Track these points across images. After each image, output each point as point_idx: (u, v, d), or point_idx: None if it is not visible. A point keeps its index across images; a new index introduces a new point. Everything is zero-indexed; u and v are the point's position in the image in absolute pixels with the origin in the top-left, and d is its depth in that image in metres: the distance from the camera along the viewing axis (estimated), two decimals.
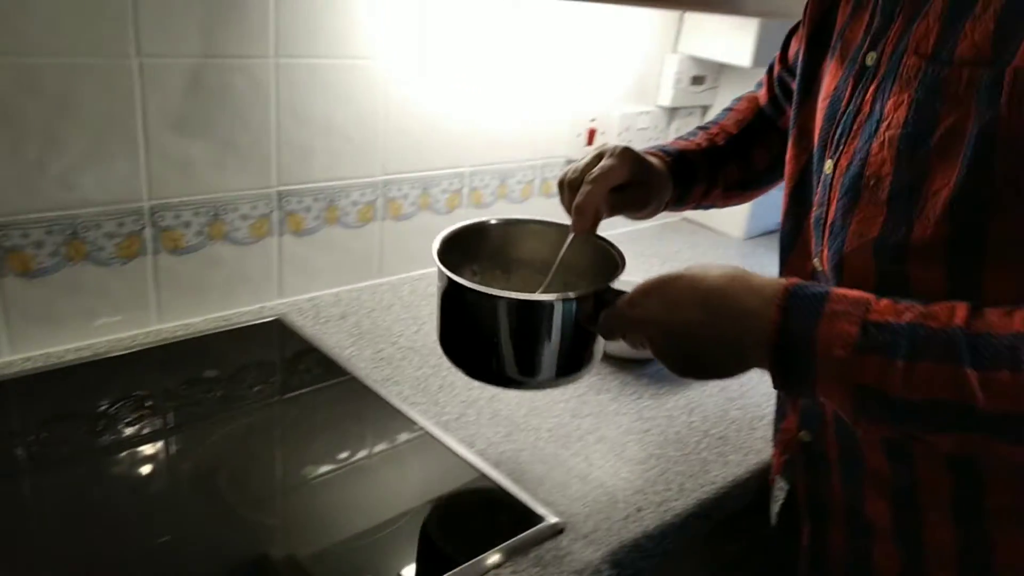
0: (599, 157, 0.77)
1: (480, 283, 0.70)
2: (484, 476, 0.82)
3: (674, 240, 1.62)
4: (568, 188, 0.78)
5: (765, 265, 1.54)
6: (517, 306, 0.68)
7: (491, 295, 0.67)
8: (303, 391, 0.96)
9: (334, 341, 1.07)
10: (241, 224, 1.07)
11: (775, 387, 0.57)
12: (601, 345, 0.73)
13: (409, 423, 0.89)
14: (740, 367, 0.59)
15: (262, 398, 0.92)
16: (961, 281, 0.58)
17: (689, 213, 1.75)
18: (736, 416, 1.01)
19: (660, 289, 0.61)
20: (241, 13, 0.98)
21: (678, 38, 1.56)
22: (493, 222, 0.83)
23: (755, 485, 0.90)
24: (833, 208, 0.66)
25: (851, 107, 0.66)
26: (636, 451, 0.90)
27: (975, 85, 0.55)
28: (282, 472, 0.80)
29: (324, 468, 0.81)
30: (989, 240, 0.57)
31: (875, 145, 0.61)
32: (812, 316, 0.54)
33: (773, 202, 1.71)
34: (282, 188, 1.10)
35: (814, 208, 0.70)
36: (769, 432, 0.98)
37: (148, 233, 0.99)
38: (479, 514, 0.79)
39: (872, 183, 0.61)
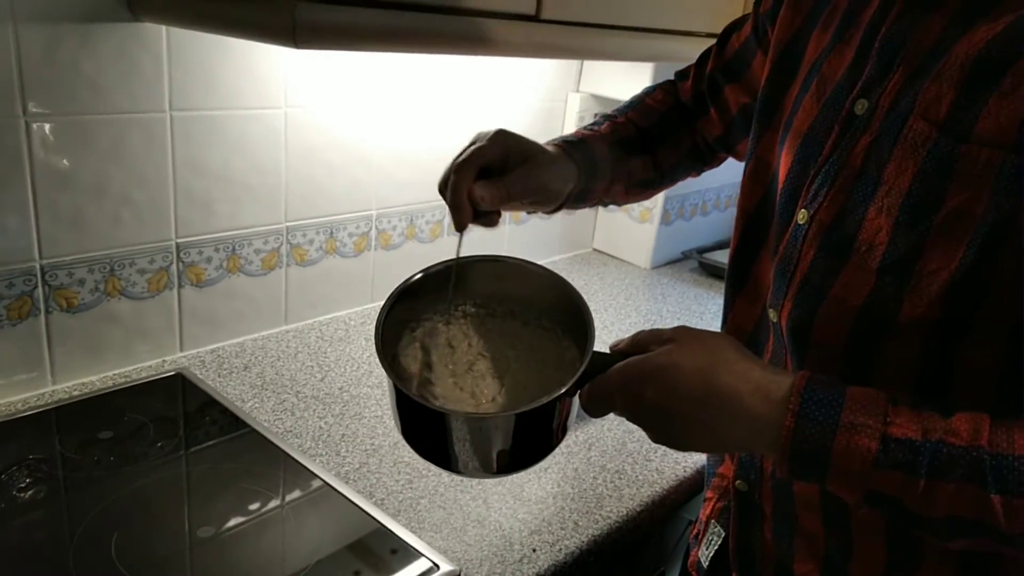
0: (470, 145, 0.70)
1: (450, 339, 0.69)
2: (382, 527, 0.83)
3: (583, 271, 1.67)
4: (445, 187, 0.70)
5: (668, 294, 1.59)
6: (469, 422, 0.62)
7: (438, 411, 0.61)
8: (202, 447, 0.95)
9: (236, 393, 1.07)
10: (138, 279, 1.07)
11: (780, 475, 0.56)
12: (576, 412, 0.66)
13: (309, 476, 0.90)
14: (742, 451, 0.58)
15: (159, 456, 0.92)
16: (937, 355, 0.57)
17: (599, 244, 1.80)
18: (633, 449, 1.05)
19: (659, 377, 0.56)
20: (133, 67, 0.98)
21: (580, 77, 1.61)
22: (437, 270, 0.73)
23: (648, 517, 0.93)
24: (806, 263, 0.63)
25: (835, 157, 0.62)
26: (535, 490, 0.93)
27: (994, 169, 0.52)
28: (178, 532, 0.80)
29: (221, 526, 0.81)
30: (978, 319, 0.55)
31: (872, 210, 0.58)
32: (828, 427, 0.52)
33: (676, 233, 1.78)
34: (181, 240, 1.10)
35: (777, 255, 0.67)
36: (664, 463, 1.02)
37: (40, 292, 0.98)
38: (376, 565, 0.81)
39: (864, 248, 0.58)
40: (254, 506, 0.85)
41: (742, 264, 0.76)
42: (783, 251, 0.66)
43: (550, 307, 0.72)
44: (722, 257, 1.73)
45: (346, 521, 0.84)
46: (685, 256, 1.77)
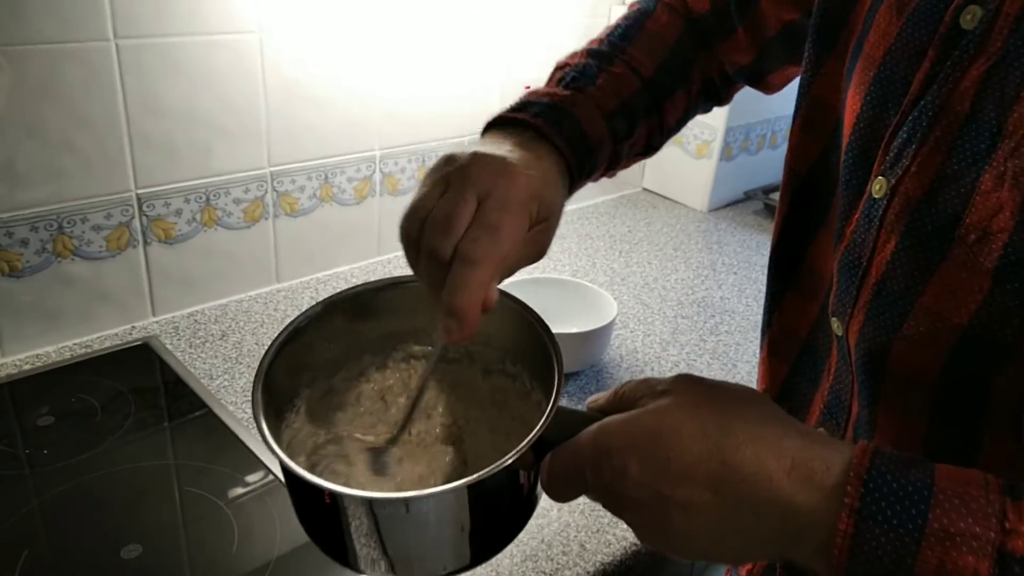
0: (442, 188, 0.46)
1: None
2: None
3: (628, 216, 1.46)
4: (424, 254, 0.46)
5: (726, 242, 1.38)
6: (379, 507, 0.43)
7: (347, 496, 0.43)
8: (149, 432, 0.82)
9: (206, 367, 0.93)
10: (94, 236, 0.93)
11: None
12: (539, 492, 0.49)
13: (265, 471, 0.76)
14: (771, 559, 0.41)
15: (97, 448, 0.79)
16: None
17: (649, 183, 1.59)
18: None
19: (647, 446, 0.39)
20: None
21: None
22: (338, 300, 0.55)
23: None
24: (885, 257, 0.45)
25: (928, 98, 0.43)
26: None
27: None
28: (96, 553, 0.67)
29: (149, 543, 0.68)
30: None
31: (988, 178, 0.39)
32: (908, 534, 0.34)
33: (739, 169, 1.55)
34: (143, 191, 0.95)
35: (842, 242, 0.48)
36: None
37: None
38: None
39: (973, 238, 0.40)
40: (191, 514, 0.72)
41: (792, 246, 0.56)
42: (850, 237, 0.47)
43: (514, 345, 0.54)
44: None
45: (294, 527, 0.70)
46: (748, 196, 1.54)
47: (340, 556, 0.47)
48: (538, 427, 0.43)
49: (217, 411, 0.85)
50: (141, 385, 0.89)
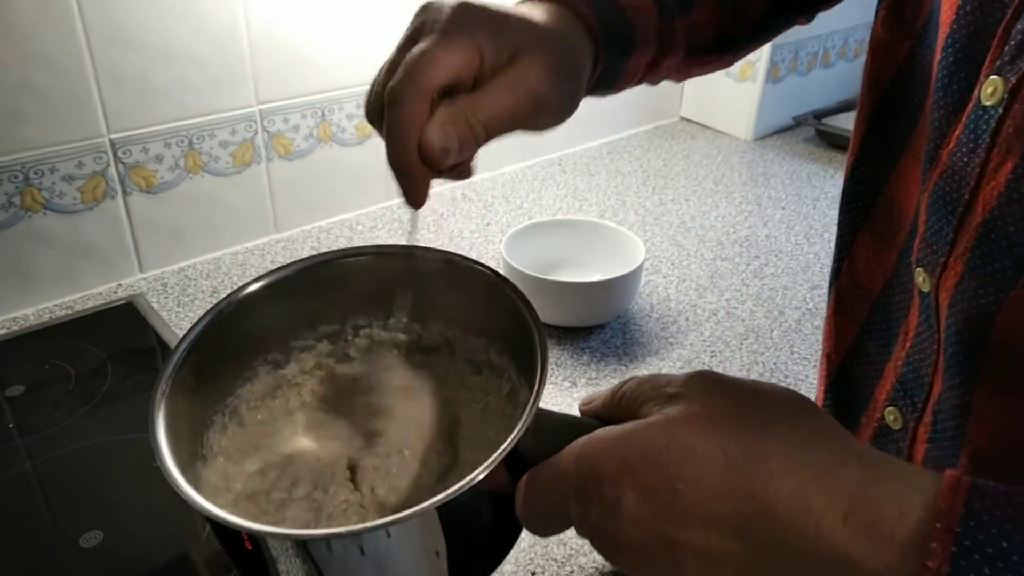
0: (412, 39, 0.38)
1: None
2: None
3: (663, 149, 1.33)
4: (378, 118, 0.40)
5: (773, 174, 1.24)
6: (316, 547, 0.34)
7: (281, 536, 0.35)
8: (125, 402, 0.75)
9: None
10: (66, 187, 0.85)
11: None
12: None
13: None
14: None
15: (62, 417, 0.72)
16: None
17: (687, 111, 1.45)
18: None
19: (648, 470, 0.30)
20: None
21: None
22: (253, 289, 0.45)
23: None
24: (996, 189, 0.34)
25: None
26: None
27: None
28: (53, 541, 0.60)
29: (112, 530, 0.61)
30: None
31: None
32: None
33: (788, 92, 1.40)
34: (116, 136, 0.86)
35: (934, 169, 0.37)
36: None
37: None
38: None
39: None
40: (161, 494, 0.64)
41: (868, 175, 0.45)
42: (947, 162, 0.35)
43: (497, 330, 0.45)
44: (849, 122, 1.35)
45: None
46: (798, 123, 1.39)
47: None
48: (510, 439, 0.33)
49: None
50: (122, 349, 0.82)
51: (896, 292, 0.44)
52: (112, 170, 0.87)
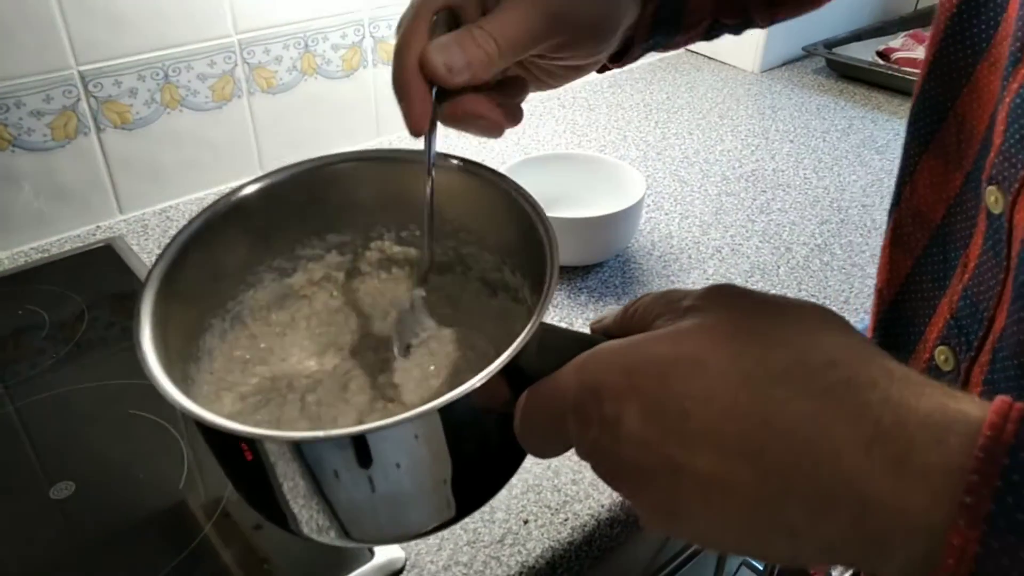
0: None
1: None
2: None
3: (667, 82, 1.27)
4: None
5: (782, 107, 1.19)
6: (342, 447, 0.31)
7: (278, 439, 0.31)
8: (100, 348, 0.72)
9: None
10: (35, 123, 0.80)
11: None
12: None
13: None
14: (831, 564, 0.29)
15: (33, 365, 0.69)
16: None
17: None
18: None
19: (653, 386, 0.27)
20: None
21: None
22: (277, 179, 0.42)
23: None
24: None
25: None
26: None
27: None
28: (28, 490, 0.58)
29: (88, 479, 0.58)
30: None
31: None
32: None
33: (797, 23, 1.33)
34: (86, 67, 0.81)
35: (1021, 69, 0.33)
36: None
37: None
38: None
39: None
40: (143, 445, 0.61)
41: (938, 91, 0.40)
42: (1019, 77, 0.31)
43: (511, 244, 0.40)
44: (861, 51, 1.28)
45: None
46: (808, 53, 1.33)
47: (279, 520, 0.35)
48: (511, 349, 0.30)
49: None
50: (99, 293, 0.78)
51: (958, 219, 0.40)
52: (83, 105, 0.83)
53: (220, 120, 0.92)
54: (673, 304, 0.29)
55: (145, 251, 0.84)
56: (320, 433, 0.30)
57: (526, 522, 0.55)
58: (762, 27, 0.50)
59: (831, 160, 1.04)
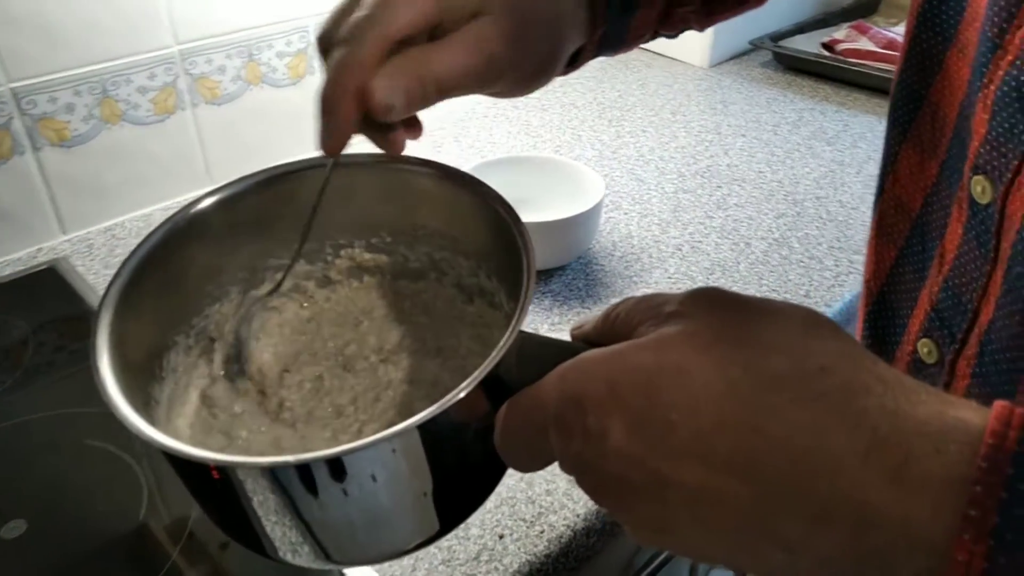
0: None
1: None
2: None
3: (618, 80, 1.27)
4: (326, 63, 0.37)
5: (732, 101, 1.20)
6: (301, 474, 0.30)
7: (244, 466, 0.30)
8: (49, 376, 0.69)
9: None
10: None
11: None
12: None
13: None
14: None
15: None
16: None
17: None
18: None
19: (637, 397, 0.26)
20: None
21: None
22: (207, 204, 0.40)
23: None
24: None
25: None
26: None
27: None
28: None
29: (43, 516, 0.55)
30: None
31: None
32: None
33: (743, 17, 1.34)
34: (18, 84, 0.78)
35: (1005, 55, 0.32)
36: None
37: None
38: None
39: None
40: (100, 476, 0.59)
41: (914, 80, 0.40)
42: (1021, 47, 0.31)
43: (486, 249, 0.40)
44: (806, 44, 1.30)
45: None
46: (755, 46, 1.34)
47: (255, 545, 0.34)
48: (490, 359, 0.29)
49: None
50: (45, 317, 0.75)
51: (935, 209, 0.39)
52: (17, 123, 0.79)
53: (164, 133, 0.89)
54: (655, 309, 0.28)
55: (91, 272, 0.81)
56: (292, 458, 0.29)
57: (501, 537, 0.54)
58: (700, 31, 0.50)
59: (783, 153, 1.06)
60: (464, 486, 0.35)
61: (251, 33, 0.91)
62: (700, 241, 0.87)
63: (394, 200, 0.41)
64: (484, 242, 0.39)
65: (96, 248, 0.85)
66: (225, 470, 0.30)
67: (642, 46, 1.40)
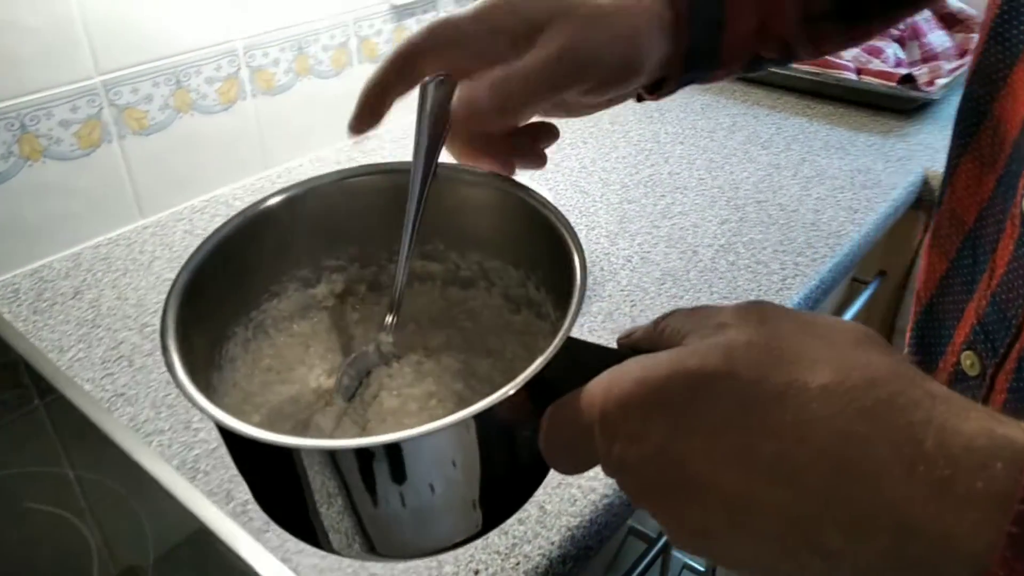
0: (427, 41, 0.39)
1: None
2: (224, 546, 0.53)
3: None
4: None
5: (667, 109, 1.21)
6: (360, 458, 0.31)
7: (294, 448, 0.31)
8: None
9: (55, 337, 0.75)
10: None
11: None
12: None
13: (134, 470, 0.60)
14: None
15: None
16: None
17: None
18: None
19: (681, 403, 0.26)
20: None
21: None
22: (306, 188, 0.41)
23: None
24: None
25: None
26: None
27: None
28: None
29: None
30: None
31: None
32: None
33: None
34: None
35: None
36: None
37: None
38: None
39: None
40: (35, 541, 0.55)
41: (981, 92, 0.40)
42: None
43: (534, 258, 0.41)
44: None
45: (178, 521, 0.55)
46: None
47: (309, 535, 0.35)
48: (540, 360, 0.30)
49: (69, 393, 0.67)
50: None
51: (989, 223, 0.40)
52: None
53: (89, 168, 0.85)
54: (704, 320, 0.28)
55: (20, 318, 0.77)
56: (352, 442, 0.30)
57: (477, 573, 0.53)
58: (807, 59, 0.49)
59: (721, 159, 1.07)
60: (507, 485, 0.35)
61: (178, 60, 0.88)
62: (649, 251, 0.87)
63: (449, 210, 0.42)
64: (534, 251, 0.40)
65: (23, 292, 0.81)
66: (288, 452, 0.31)
67: None
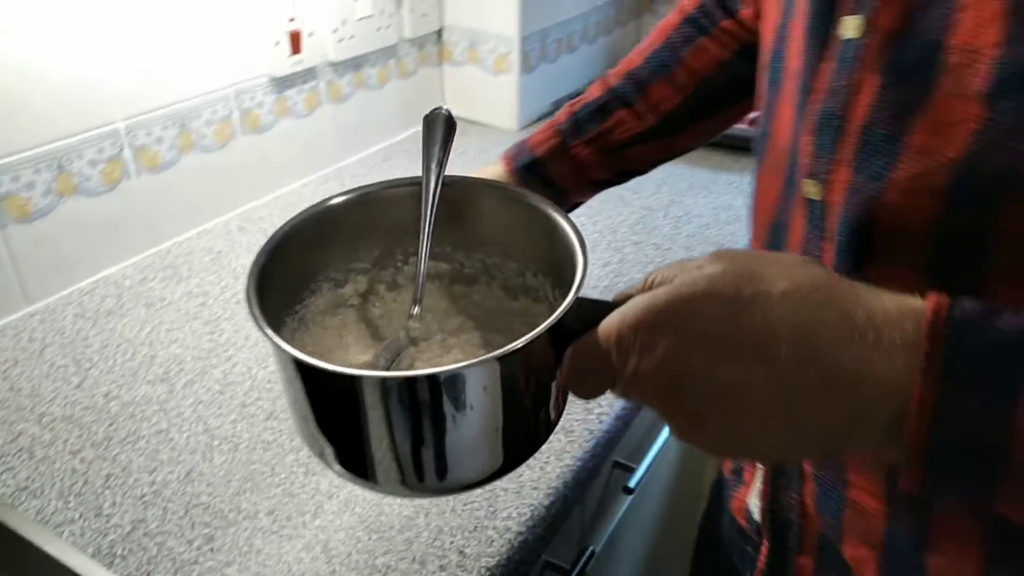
0: None
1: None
2: None
3: None
4: None
5: None
6: (397, 387, 0.38)
7: (357, 376, 0.38)
8: None
9: None
10: None
11: (905, 489, 0.33)
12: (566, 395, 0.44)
13: (48, 564, 0.59)
14: (829, 449, 0.35)
15: None
16: None
17: (451, 108, 1.46)
18: None
19: (678, 315, 0.34)
20: None
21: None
22: (336, 202, 0.49)
23: (570, 494, 0.67)
24: (866, 102, 0.41)
25: None
26: (397, 510, 0.65)
27: None
28: None
29: None
30: None
31: None
32: (1001, 393, 0.30)
33: (542, 80, 1.45)
34: None
35: (812, 95, 0.44)
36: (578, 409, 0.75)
37: None
38: None
39: (960, 62, 0.36)
40: None
41: (764, 122, 0.52)
42: (825, 88, 0.43)
43: (531, 250, 0.49)
44: None
45: None
46: (557, 107, 1.45)
47: (359, 467, 0.41)
48: (559, 311, 0.38)
49: None
50: None
51: (784, 211, 0.49)
52: None
53: None
54: (686, 265, 0.36)
55: None
56: (400, 373, 0.39)
57: None
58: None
59: (597, 204, 1.14)
60: (526, 425, 0.41)
61: (58, 146, 0.88)
62: None
63: (458, 215, 0.50)
64: (534, 245, 0.48)
65: None
66: (352, 380, 0.37)
67: (455, 115, 1.47)
